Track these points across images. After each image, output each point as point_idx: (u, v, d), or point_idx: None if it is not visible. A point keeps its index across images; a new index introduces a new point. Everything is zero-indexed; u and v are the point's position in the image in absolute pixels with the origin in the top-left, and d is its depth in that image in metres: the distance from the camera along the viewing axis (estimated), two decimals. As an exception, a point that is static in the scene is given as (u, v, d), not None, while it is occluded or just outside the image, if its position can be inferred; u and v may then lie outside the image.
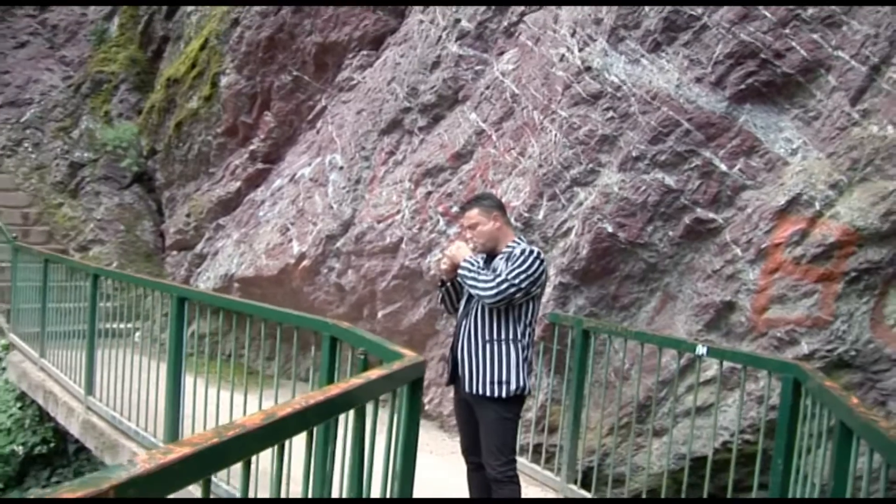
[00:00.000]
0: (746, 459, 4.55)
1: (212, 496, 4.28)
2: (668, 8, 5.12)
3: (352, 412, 2.66)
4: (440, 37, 6.74)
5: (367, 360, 3.44)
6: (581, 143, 5.45)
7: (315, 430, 2.50)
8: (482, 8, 6.43)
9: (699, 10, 5.07)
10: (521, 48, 6.14)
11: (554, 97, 5.64)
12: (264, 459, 2.17)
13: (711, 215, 5.15)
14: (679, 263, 5.32)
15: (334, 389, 2.39)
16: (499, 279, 3.74)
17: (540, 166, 5.68)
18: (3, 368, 9.26)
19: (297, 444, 2.49)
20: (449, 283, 4.15)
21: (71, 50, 13.19)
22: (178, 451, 1.48)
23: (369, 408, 2.76)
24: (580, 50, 5.52)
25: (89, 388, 6.70)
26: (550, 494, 5.27)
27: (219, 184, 9.58)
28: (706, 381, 5.10)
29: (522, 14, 6.23)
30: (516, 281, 3.74)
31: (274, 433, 1.89)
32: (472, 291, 3.80)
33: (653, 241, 5.29)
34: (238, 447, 1.71)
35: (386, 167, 7.16)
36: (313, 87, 8.40)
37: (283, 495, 2.39)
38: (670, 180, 5.17)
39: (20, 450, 8.55)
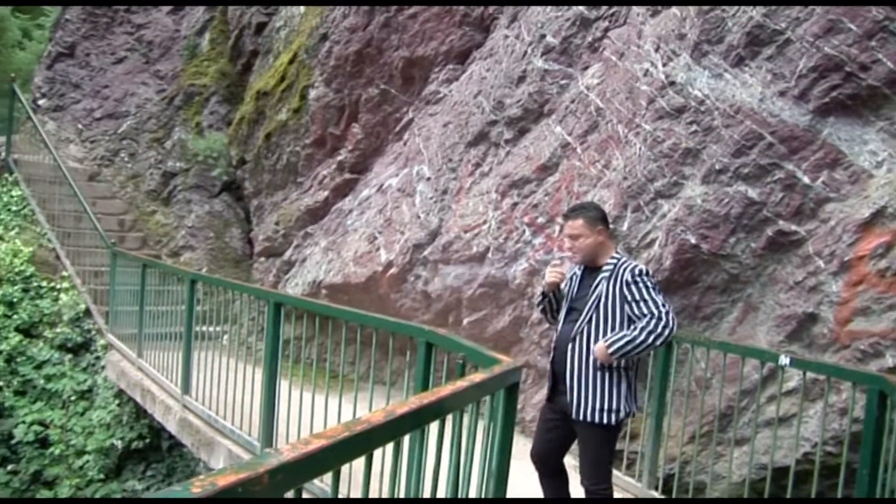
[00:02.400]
0: (829, 472, 4.69)
1: (308, 495, 4.68)
2: (752, 23, 5.34)
3: (456, 413, 2.98)
4: (525, 52, 7.07)
5: (465, 366, 3.77)
6: (665, 156, 5.70)
7: (426, 428, 2.84)
8: (567, 23, 6.73)
9: (783, 24, 5.27)
10: (606, 63, 6.43)
11: (638, 111, 5.91)
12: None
13: (794, 227, 5.33)
14: (761, 275, 5.52)
15: (444, 391, 2.69)
16: (656, 320, 3.99)
17: (624, 178, 5.95)
18: (103, 367, 9.95)
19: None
20: (551, 294, 4.40)
21: (165, 64, 13.97)
22: (317, 443, 1.74)
23: (469, 409, 3.08)
24: (664, 65, 5.77)
25: (186, 388, 7.22)
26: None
27: (307, 193, 10.08)
28: (788, 391, 5.27)
29: (607, 29, 6.51)
30: (666, 307, 4.04)
31: (394, 429, 2.16)
32: (651, 349, 4.05)
33: (735, 252, 5.50)
34: (364, 440, 1.96)
35: (473, 178, 7.51)
36: (400, 100, 8.82)
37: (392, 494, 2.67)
38: (753, 193, 5.38)
39: (119, 444, 9.21)
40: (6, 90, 13.81)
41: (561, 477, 4.33)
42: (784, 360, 4.64)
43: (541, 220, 6.70)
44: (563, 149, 6.61)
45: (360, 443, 1.95)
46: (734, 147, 5.38)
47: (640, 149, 5.83)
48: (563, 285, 4.46)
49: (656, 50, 5.88)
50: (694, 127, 5.56)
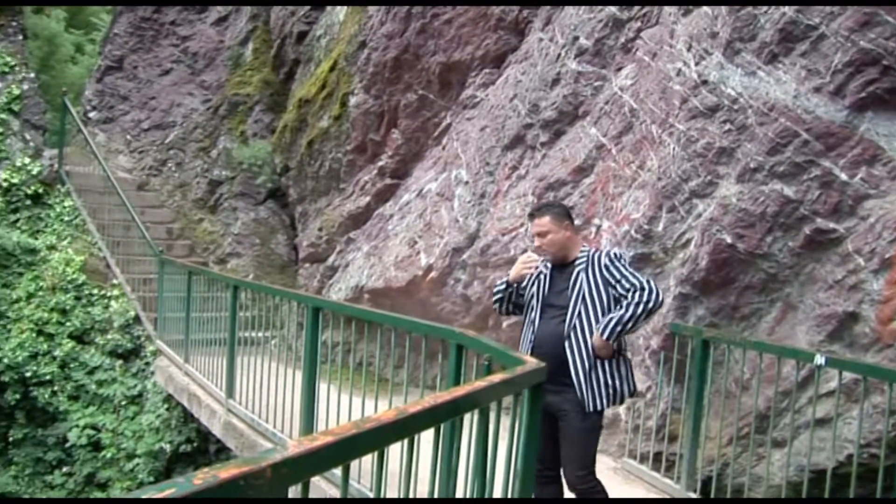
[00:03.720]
0: (872, 474, 4.63)
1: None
2: (785, 19, 5.30)
3: (476, 413, 3.02)
4: (559, 54, 7.09)
5: (490, 367, 3.81)
6: (699, 155, 5.68)
7: (442, 427, 2.87)
8: (599, 25, 6.74)
9: (816, 19, 5.22)
10: (639, 63, 6.42)
11: (672, 111, 5.89)
12: (394, 461, 2.46)
13: (832, 225, 5.28)
14: (800, 274, 5.46)
15: (460, 391, 2.72)
16: (640, 291, 4.07)
17: (659, 179, 5.94)
18: (152, 372, 10.19)
19: (426, 452, 2.83)
20: (513, 287, 4.45)
21: (209, 75, 14.24)
22: (323, 439, 1.74)
23: (493, 410, 3.12)
24: (696, 64, 5.75)
25: (230, 392, 7.35)
26: None
27: (349, 199, 10.20)
28: (828, 392, 5.21)
29: (639, 30, 6.50)
30: (646, 278, 4.15)
31: (405, 427, 2.17)
32: (642, 321, 4.11)
33: (772, 251, 5.46)
34: (373, 438, 1.97)
35: (510, 181, 7.55)
36: (438, 105, 8.89)
37: (410, 493, 2.71)
38: (789, 191, 5.33)
39: (167, 447, 9.42)
40: (59, 104, 14.18)
41: (559, 482, 4.33)
42: (820, 359, 4.61)
43: (577, 221, 6.69)
44: (598, 150, 6.62)
45: (369, 440, 1.97)
46: (769, 145, 5.34)
47: (674, 149, 5.81)
48: (525, 283, 4.47)
49: (688, 49, 5.86)
50: (728, 126, 5.53)
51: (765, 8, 5.40)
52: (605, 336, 4.06)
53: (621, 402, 4.25)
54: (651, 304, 4.04)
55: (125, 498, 1.27)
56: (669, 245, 5.93)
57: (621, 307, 4.10)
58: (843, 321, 5.28)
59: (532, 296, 4.38)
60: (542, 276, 4.40)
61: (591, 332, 4.15)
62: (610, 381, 4.15)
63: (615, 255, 4.19)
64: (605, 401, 4.14)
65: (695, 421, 5.52)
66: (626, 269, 4.15)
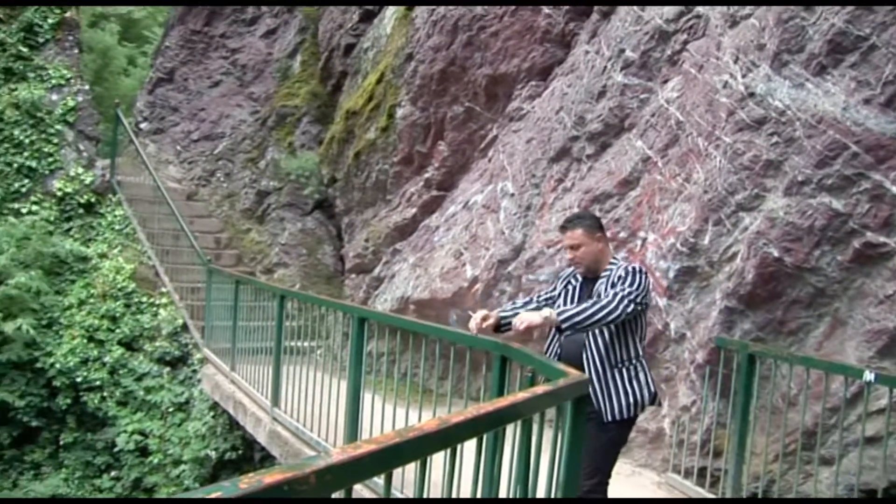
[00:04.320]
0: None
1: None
2: (834, 30, 5.29)
3: (519, 424, 3.05)
4: (605, 66, 7.13)
5: (534, 378, 3.85)
6: (746, 168, 5.68)
7: (485, 437, 2.92)
8: (646, 37, 6.77)
9: (867, 30, 5.21)
10: (685, 76, 6.44)
11: (718, 123, 5.90)
12: (436, 472, 2.51)
13: (883, 239, 5.24)
14: (849, 288, 5.43)
15: (502, 402, 2.76)
16: (613, 297, 3.97)
17: (705, 192, 5.94)
18: (199, 380, 10.39)
19: (468, 462, 2.87)
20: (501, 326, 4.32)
21: (258, 87, 14.49)
22: (366, 447, 1.78)
23: (535, 421, 3.15)
24: (743, 76, 5.76)
25: (275, 400, 7.46)
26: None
27: (395, 210, 10.31)
28: (878, 409, 5.16)
29: (685, 42, 6.52)
30: (632, 297, 3.99)
31: (447, 437, 2.20)
32: (594, 323, 3.95)
33: (820, 265, 5.43)
34: (416, 447, 2.01)
35: (555, 194, 7.59)
36: (485, 118, 8.97)
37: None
38: (838, 204, 5.31)
39: (213, 455, 9.60)
40: (112, 115, 14.54)
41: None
42: (868, 375, 4.57)
43: (622, 234, 6.73)
44: (644, 163, 6.64)
45: (412, 449, 2.00)
46: (817, 158, 5.33)
47: (720, 161, 5.82)
48: (558, 294, 4.48)
49: (735, 61, 5.86)
50: (775, 138, 5.52)
51: (813, 19, 5.40)
52: (561, 318, 3.96)
53: (641, 409, 4.22)
54: (600, 317, 3.93)
55: (174, 498, 1.32)
56: (715, 258, 5.93)
57: (588, 302, 4.06)
58: (894, 337, 5.24)
59: (559, 307, 4.41)
60: (570, 288, 4.42)
61: (605, 342, 4.15)
62: (628, 388, 4.14)
63: (633, 269, 4.15)
64: (623, 410, 4.13)
65: (740, 436, 5.50)
66: (627, 281, 4.07)
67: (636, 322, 4.20)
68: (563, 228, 4.42)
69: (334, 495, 1.67)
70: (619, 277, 4.12)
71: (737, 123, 5.74)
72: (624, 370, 4.17)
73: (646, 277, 4.12)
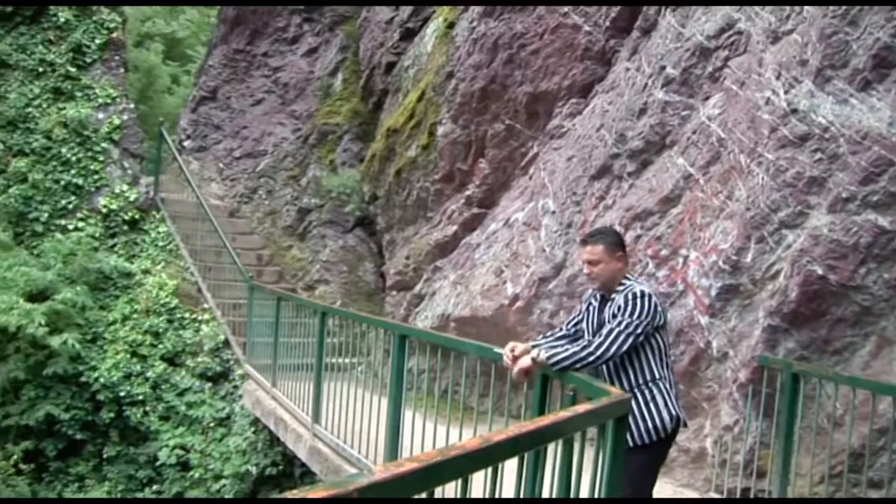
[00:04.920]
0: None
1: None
2: (879, 45, 5.28)
3: (560, 443, 3.08)
4: (646, 84, 7.17)
5: (575, 397, 3.88)
6: (789, 185, 5.67)
7: (526, 456, 2.95)
8: (687, 54, 6.80)
9: (913, 46, 5.20)
10: (727, 92, 6.45)
11: (760, 140, 5.91)
12: (477, 490, 2.47)
13: (930, 257, 5.21)
14: (896, 307, 5.39)
15: (544, 420, 2.80)
16: (606, 336, 3.92)
17: (747, 209, 5.94)
18: (240, 396, 10.54)
19: (509, 482, 2.90)
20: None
21: (300, 105, 14.71)
22: (409, 465, 1.81)
23: (577, 440, 3.17)
24: (786, 92, 5.76)
25: (316, 417, 7.55)
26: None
27: (436, 228, 10.40)
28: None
29: (727, 59, 6.54)
30: (631, 329, 3.94)
31: (489, 456, 2.23)
32: (586, 365, 3.90)
33: (866, 283, 5.40)
34: (458, 465, 2.04)
35: (596, 211, 7.62)
36: (525, 135, 9.04)
37: None
38: (884, 221, 5.28)
39: (253, 470, 9.72)
40: (156, 133, 14.85)
41: None
42: (917, 395, 4.54)
43: (664, 252, 6.74)
44: (686, 180, 6.65)
45: (454, 468, 2.03)
46: (862, 174, 5.31)
47: (763, 178, 5.82)
48: (581, 317, 4.46)
49: (777, 77, 5.87)
50: (818, 155, 5.52)
51: (857, 34, 5.40)
52: (551, 362, 3.92)
53: (665, 433, 4.10)
54: (591, 360, 3.89)
55: (212, 499, 1.37)
56: (758, 276, 5.92)
57: (578, 345, 4.03)
58: (942, 357, 5.20)
59: (582, 330, 4.41)
60: (591, 309, 4.39)
61: (616, 366, 4.08)
62: (644, 413, 4.05)
63: (634, 294, 4.05)
64: (643, 435, 4.03)
65: (784, 457, 5.47)
66: (626, 311, 4.00)
67: (650, 344, 4.10)
68: (584, 242, 4.39)
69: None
70: (619, 307, 4.04)
71: (779, 140, 5.74)
72: (639, 394, 4.07)
73: (649, 301, 4.02)
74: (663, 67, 7.01)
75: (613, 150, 7.44)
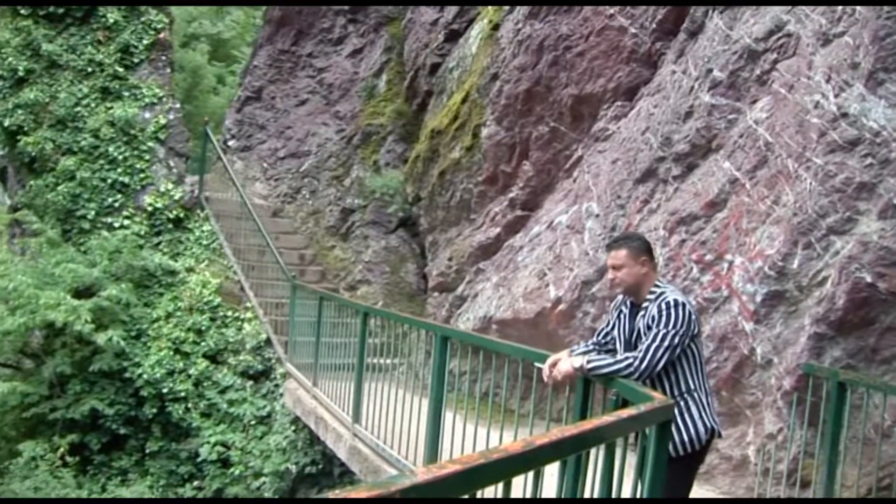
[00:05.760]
0: None
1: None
2: (933, 50, 5.23)
3: (602, 448, 3.09)
4: (693, 87, 7.14)
5: (618, 401, 3.90)
6: (837, 190, 5.63)
7: (568, 460, 2.97)
8: (734, 56, 6.76)
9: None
10: (775, 96, 6.41)
11: (809, 145, 5.87)
12: (516, 494, 2.54)
13: (982, 266, 5.14)
14: (947, 316, 5.32)
15: (587, 425, 2.79)
16: (645, 354, 3.91)
17: (795, 215, 5.90)
18: (281, 394, 10.68)
19: (549, 486, 2.91)
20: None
21: (344, 105, 14.83)
22: (451, 467, 1.82)
23: (619, 446, 3.18)
24: (836, 96, 5.72)
25: (356, 417, 7.63)
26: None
27: (479, 230, 10.44)
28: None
29: (775, 62, 6.49)
30: (667, 342, 3.93)
31: (531, 459, 2.24)
32: (623, 378, 3.91)
33: (916, 291, 5.34)
34: (500, 468, 2.04)
35: (641, 215, 7.61)
36: (570, 138, 9.05)
37: None
38: (935, 229, 5.23)
39: (293, 468, 9.85)
40: (201, 133, 15.09)
41: None
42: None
43: (709, 257, 6.71)
44: (732, 184, 6.62)
45: (496, 470, 2.04)
46: (914, 180, 5.26)
47: (811, 184, 5.78)
48: (611, 326, 4.45)
49: (827, 81, 5.83)
50: (869, 160, 5.47)
51: (911, 39, 5.34)
52: (590, 367, 3.98)
53: (700, 444, 4.09)
54: (626, 374, 3.90)
55: (252, 499, 1.40)
56: (805, 283, 5.87)
57: (614, 357, 4.05)
58: None
59: (614, 338, 4.40)
60: (622, 317, 4.37)
61: (655, 379, 4.05)
62: (679, 425, 4.02)
63: (667, 304, 4.03)
64: (678, 447, 4.01)
65: (829, 467, 5.42)
66: (661, 321, 3.99)
67: (685, 354, 4.08)
68: (609, 248, 4.38)
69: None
70: (653, 318, 4.03)
71: (828, 144, 5.70)
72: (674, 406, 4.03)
73: (683, 310, 4.00)
74: (710, 70, 6.98)
75: (658, 154, 7.43)
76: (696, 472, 4.33)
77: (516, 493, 2.30)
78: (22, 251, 13.02)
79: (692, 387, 4.12)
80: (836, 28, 6.02)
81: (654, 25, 8.06)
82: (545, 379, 4.23)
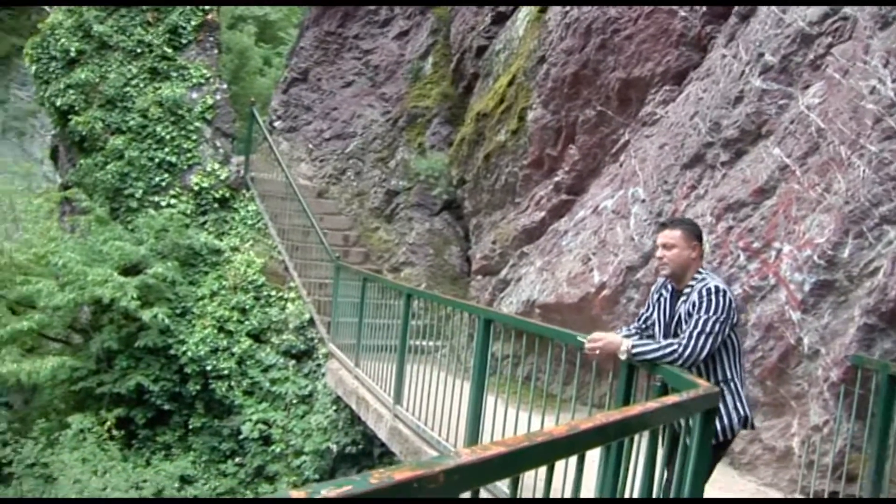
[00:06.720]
0: None
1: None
2: None
3: (647, 434, 3.07)
4: (743, 71, 7.02)
5: (662, 388, 3.87)
6: (892, 178, 5.51)
7: (611, 445, 2.96)
8: (787, 41, 6.63)
9: None
10: (828, 81, 6.28)
11: (863, 131, 5.74)
12: (557, 479, 2.52)
13: None
14: None
15: (632, 410, 2.79)
16: (688, 341, 3.90)
17: (846, 203, 5.79)
18: (323, 374, 10.77)
19: (590, 471, 2.90)
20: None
21: (390, 87, 14.85)
22: (495, 449, 1.82)
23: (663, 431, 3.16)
24: (893, 81, 5.58)
25: (398, 398, 7.66)
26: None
27: (524, 213, 10.40)
28: None
29: (830, 46, 6.35)
30: (709, 328, 3.91)
31: (575, 443, 2.25)
32: (667, 365, 3.90)
33: (971, 284, 5.22)
34: (544, 452, 2.05)
35: (688, 201, 7.52)
36: (616, 122, 8.96)
37: None
38: None
39: (334, 448, 9.95)
40: (247, 114, 15.21)
41: None
42: None
43: (756, 244, 6.61)
44: (781, 171, 6.51)
45: (539, 454, 2.05)
46: (971, 170, 5.12)
47: (864, 171, 5.66)
48: (651, 310, 4.44)
49: (885, 65, 5.69)
50: (925, 148, 5.34)
51: (972, 24, 5.20)
52: (634, 352, 3.97)
53: (732, 433, 4.10)
54: (670, 361, 3.88)
55: (303, 498, 1.39)
56: (855, 273, 5.76)
57: (658, 342, 4.03)
58: None
59: (654, 322, 4.40)
60: (661, 301, 4.38)
61: (695, 371, 4.03)
62: None
63: (708, 290, 4.02)
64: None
65: (878, 462, 5.32)
66: (703, 307, 3.99)
67: (724, 344, 4.08)
68: (663, 226, 4.40)
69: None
70: (694, 304, 4.03)
71: (884, 131, 5.57)
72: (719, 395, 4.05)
73: (724, 297, 4.00)
74: (762, 54, 6.85)
75: (707, 139, 7.32)
76: (719, 461, 4.32)
77: (558, 478, 2.29)
78: (72, 228, 13.28)
79: (728, 376, 4.13)
80: (895, 11, 5.87)
81: (704, 8, 7.93)
82: (586, 351, 4.22)
